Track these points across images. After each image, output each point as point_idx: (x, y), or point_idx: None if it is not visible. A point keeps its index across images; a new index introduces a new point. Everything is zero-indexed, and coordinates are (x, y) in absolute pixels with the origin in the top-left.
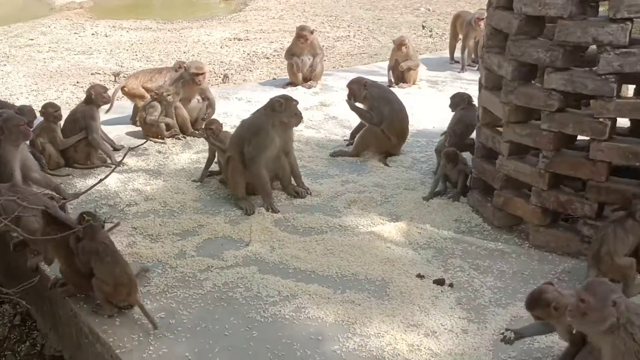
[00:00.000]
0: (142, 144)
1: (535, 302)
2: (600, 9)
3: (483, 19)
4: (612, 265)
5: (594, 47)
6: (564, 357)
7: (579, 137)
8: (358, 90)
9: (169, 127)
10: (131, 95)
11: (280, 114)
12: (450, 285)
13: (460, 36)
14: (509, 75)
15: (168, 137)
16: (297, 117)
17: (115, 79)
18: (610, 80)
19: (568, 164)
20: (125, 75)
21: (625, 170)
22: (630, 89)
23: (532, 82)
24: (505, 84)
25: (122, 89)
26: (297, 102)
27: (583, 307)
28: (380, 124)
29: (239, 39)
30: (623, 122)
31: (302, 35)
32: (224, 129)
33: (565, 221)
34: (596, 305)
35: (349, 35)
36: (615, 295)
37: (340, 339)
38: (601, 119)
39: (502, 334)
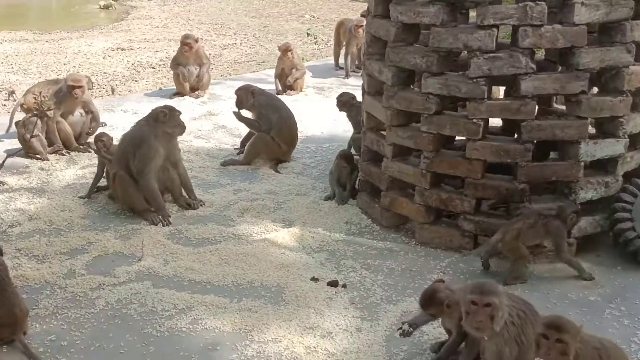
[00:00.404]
0: (17, 152)
1: (429, 301)
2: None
3: (362, 26)
4: (515, 250)
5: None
6: (449, 347)
7: (458, 138)
8: (245, 98)
9: (51, 142)
10: (31, 111)
11: (163, 124)
12: (344, 286)
13: (344, 43)
14: (389, 80)
15: (51, 153)
16: (181, 128)
17: (9, 97)
18: (481, 83)
19: (447, 163)
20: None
21: (499, 166)
22: (501, 90)
23: (412, 86)
24: (386, 89)
25: (22, 105)
26: (181, 113)
27: (490, 311)
28: (269, 131)
29: (122, 49)
30: (497, 122)
31: (186, 43)
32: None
33: (448, 217)
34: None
35: (235, 43)
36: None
37: (238, 347)
38: (475, 120)
39: (400, 328)
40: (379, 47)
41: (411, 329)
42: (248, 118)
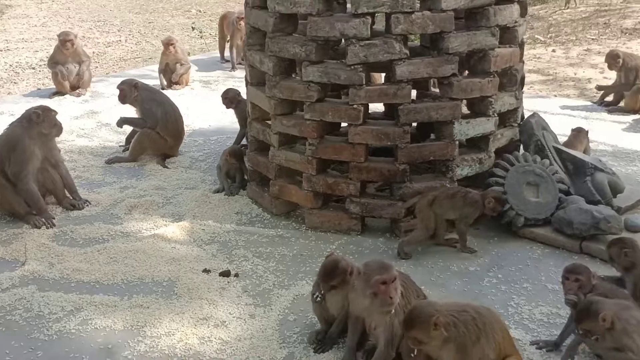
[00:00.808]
0: None
1: (332, 272)
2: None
3: (244, 17)
4: (425, 217)
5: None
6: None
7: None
8: (129, 91)
9: None
10: None
11: (38, 125)
12: (236, 275)
13: (228, 36)
14: (270, 70)
15: None
16: (57, 128)
17: None
18: (359, 70)
19: (332, 149)
20: None
21: (385, 149)
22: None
23: (293, 75)
24: (269, 79)
25: None
26: (57, 112)
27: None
28: (154, 126)
29: None
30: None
31: (65, 41)
32: None
33: (337, 202)
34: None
35: (120, 40)
36: None
37: (130, 344)
38: (355, 106)
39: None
40: (259, 37)
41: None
42: (130, 118)
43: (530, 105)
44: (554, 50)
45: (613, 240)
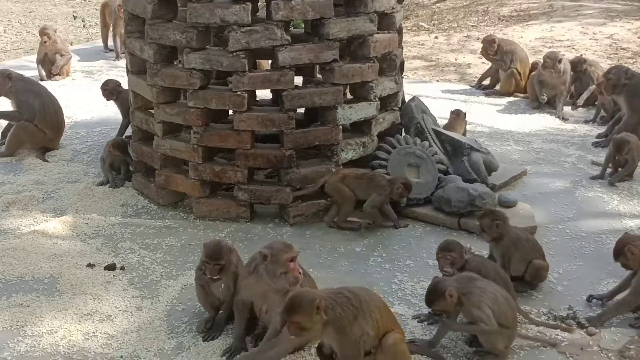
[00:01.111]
0: None
1: (219, 251)
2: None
3: None
4: (339, 191)
5: None
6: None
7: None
8: (2, 83)
9: None
10: None
11: None
12: (122, 268)
13: (111, 24)
14: (151, 58)
15: None
16: None
17: None
18: (241, 57)
19: (218, 136)
20: None
21: (272, 136)
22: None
23: (175, 63)
24: (150, 67)
25: None
26: None
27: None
28: (32, 119)
29: None
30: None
31: None
32: None
33: (226, 190)
34: None
35: None
36: None
37: (10, 344)
38: (239, 92)
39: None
40: (138, 24)
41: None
42: (4, 111)
43: (413, 90)
44: (436, 37)
45: (485, 212)
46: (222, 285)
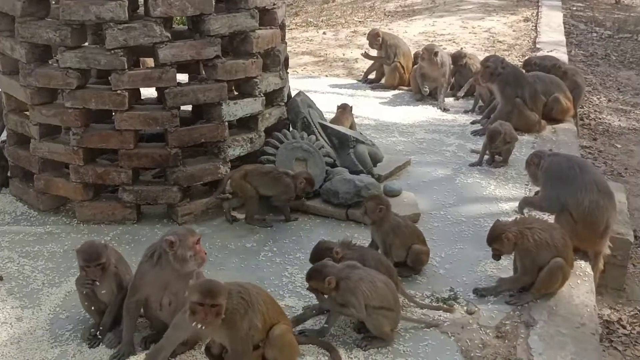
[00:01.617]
0: None
1: (97, 253)
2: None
3: None
4: (243, 188)
5: None
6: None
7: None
8: None
9: None
10: None
11: None
12: (0, 279)
13: None
14: (23, 58)
15: None
16: None
17: None
18: (120, 54)
19: (99, 137)
20: None
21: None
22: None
23: (50, 62)
24: (22, 67)
25: None
26: None
27: None
28: None
29: None
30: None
31: None
32: None
33: (112, 192)
34: None
35: None
36: None
37: None
38: (119, 91)
39: None
40: (8, 22)
41: None
42: None
43: (302, 85)
44: (324, 33)
45: (371, 196)
46: (104, 290)
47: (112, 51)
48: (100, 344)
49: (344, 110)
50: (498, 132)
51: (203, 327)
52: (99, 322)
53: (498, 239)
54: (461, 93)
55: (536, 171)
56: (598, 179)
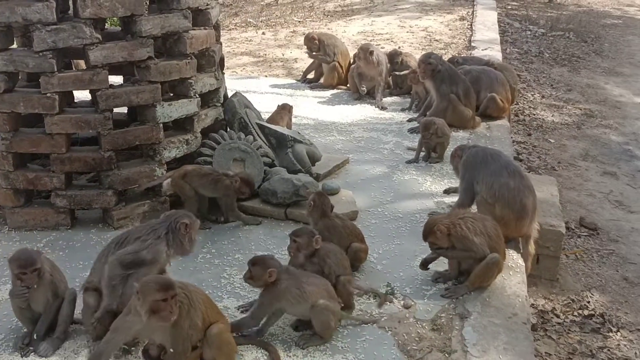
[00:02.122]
0: None
1: (30, 259)
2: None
3: None
4: (182, 189)
5: None
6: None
7: None
8: None
9: None
10: None
11: None
12: None
13: None
14: None
15: None
16: None
17: None
18: (49, 57)
19: (29, 141)
20: None
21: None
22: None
23: None
24: None
25: None
26: None
27: None
28: None
29: None
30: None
31: None
32: None
33: (46, 198)
34: None
35: None
36: None
37: None
38: (48, 94)
39: None
40: None
41: None
42: None
43: (242, 85)
44: (264, 33)
45: (316, 192)
46: (39, 298)
47: (41, 53)
48: (33, 353)
49: (282, 109)
50: (432, 122)
51: (169, 322)
52: (32, 330)
53: (431, 232)
54: (397, 91)
55: (458, 163)
56: (508, 164)
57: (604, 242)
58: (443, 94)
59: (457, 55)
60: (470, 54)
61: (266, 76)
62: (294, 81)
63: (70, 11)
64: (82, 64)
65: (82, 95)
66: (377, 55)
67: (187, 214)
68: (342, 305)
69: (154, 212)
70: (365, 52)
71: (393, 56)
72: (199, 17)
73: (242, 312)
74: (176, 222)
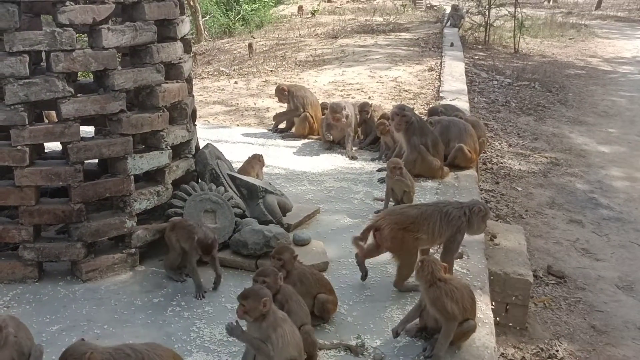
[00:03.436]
0: None
1: None
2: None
3: None
4: (172, 240)
5: None
6: None
7: None
8: None
9: None
10: None
11: None
12: None
13: None
14: None
15: None
16: None
17: None
18: (20, 110)
19: None
20: None
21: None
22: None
23: None
24: None
25: None
26: None
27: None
28: None
29: None
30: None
31: None
32: None
33: (14, 250)
34: None
35: None
36: None
37: None
38: (19, 147)
39: None
40: None
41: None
42: None
43: (214, 135)
44: (236, 82)
45: (280, 246)
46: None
47: (12, 107)
48: None
49: (252, 159)
50: (397, 163)
51: None
52: None
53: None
54: (366, 143)
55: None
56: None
57: (572, 290)
58: (413, 146)
59: (438, 104)
60: (439, 104)
61: (238, 125)
62: (266, 130)
63: (43, 63)
64: (53, 114)
65: (52, 144)
66: (347, 109)
67: None
68: (306, 356)
69: (124, 264)
70: (334, 113)
71: (363, 107)
72: (172, 70)
73: None
74: None
